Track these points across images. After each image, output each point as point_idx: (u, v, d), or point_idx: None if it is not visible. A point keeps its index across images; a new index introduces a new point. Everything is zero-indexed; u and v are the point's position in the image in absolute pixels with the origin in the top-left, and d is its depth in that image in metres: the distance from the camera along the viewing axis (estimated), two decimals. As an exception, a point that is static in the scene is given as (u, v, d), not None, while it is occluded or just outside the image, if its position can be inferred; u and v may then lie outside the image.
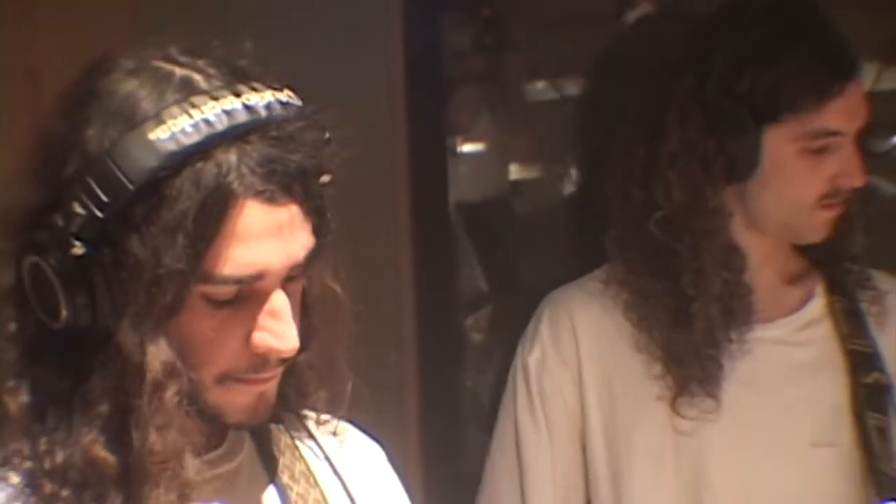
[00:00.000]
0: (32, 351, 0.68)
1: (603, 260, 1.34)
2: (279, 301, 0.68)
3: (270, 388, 0.72)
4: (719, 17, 1.26)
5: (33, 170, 0.68)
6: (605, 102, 1.81)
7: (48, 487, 0.66)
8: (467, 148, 2.06)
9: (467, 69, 2.01)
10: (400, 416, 1.74)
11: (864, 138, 1.25)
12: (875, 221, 1.34)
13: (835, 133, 1.19)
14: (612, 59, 1.88)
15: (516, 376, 1.31)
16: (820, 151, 1.20)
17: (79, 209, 0.63)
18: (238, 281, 0.66)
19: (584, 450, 1.28)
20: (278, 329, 0.68)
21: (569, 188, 2.08)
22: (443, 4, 1.94)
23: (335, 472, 0.82)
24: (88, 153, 0.64)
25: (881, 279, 1.31)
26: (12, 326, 0.69)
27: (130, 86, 0.66)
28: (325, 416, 0.82)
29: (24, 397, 0.67)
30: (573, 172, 2.06)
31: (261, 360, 0.69)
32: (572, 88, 2.03)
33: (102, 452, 0.65)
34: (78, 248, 0.63)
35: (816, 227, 1.23)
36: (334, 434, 0.83)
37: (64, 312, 0.65)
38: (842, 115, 1.19)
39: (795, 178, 1.21)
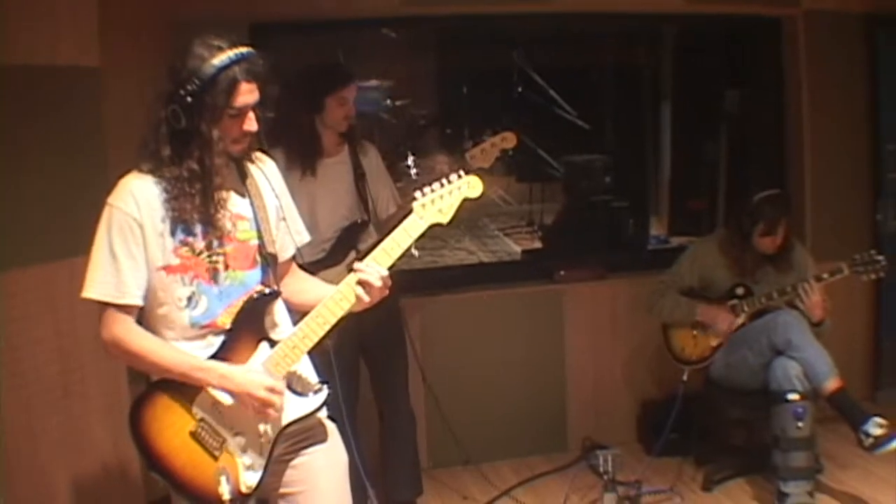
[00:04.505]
0: (171, 137, 2.09)
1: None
2: (252, 115, 2.13)
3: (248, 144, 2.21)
4: None
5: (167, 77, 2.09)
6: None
7: (169, 178, 2.11)
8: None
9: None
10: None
11: None
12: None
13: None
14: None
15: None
16: None
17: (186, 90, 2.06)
18: (242, 108, 2.10)
19: None
20: (253, 125, 2.14)
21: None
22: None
23: (262, 173, 2.29)
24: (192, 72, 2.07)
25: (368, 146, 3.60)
26: (164, 129, 2.09)
27: (201, 50, 2.08)
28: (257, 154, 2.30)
29: (167, 151, 2.10)
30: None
31: (249, 134, 2.15)
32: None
33: (196, 167, 2.10)
34: (188, 101, 2.05)
35: None
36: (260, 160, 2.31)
37: (183, 121, 2.05)
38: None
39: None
